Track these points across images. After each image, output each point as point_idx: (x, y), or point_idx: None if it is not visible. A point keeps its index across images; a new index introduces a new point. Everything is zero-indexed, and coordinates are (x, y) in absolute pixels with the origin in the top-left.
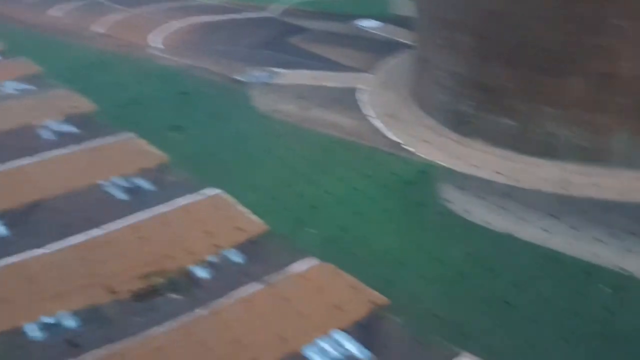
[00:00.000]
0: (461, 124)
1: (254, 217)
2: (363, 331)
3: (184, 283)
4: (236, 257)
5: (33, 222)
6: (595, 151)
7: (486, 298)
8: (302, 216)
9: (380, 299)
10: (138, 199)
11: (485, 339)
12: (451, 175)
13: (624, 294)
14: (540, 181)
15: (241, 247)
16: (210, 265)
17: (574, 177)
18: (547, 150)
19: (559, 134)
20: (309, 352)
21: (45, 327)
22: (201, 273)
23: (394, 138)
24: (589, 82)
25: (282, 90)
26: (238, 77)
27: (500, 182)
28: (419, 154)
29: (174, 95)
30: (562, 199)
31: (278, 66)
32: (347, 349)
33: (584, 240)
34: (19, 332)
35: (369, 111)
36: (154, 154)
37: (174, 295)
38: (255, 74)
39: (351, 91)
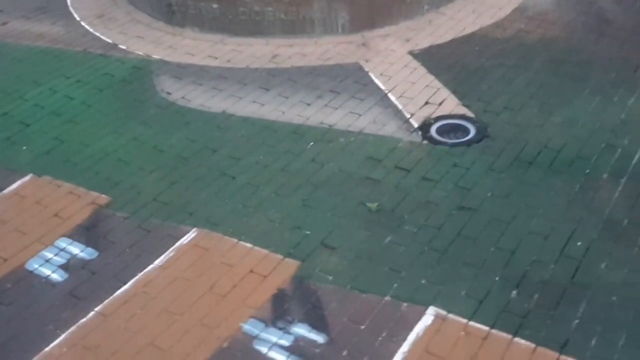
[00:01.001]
0: (172, 15)
1: None
2: (86, 232)
3: None
4: None
5: None
6: (298, 23)
7: (206, 175)
8: (12, 136)
9: (102, 199)
10: None
11: (207, 211)
12: (167, 67)
13: (326, 145)
14: (251, 59)
15: None
16: None
17: (281, 50)
18: (256, 28)
19: (264, 11)
20: (34, 264)
21: None
22: None
23: (105, 39)
24: None
25: None
26: None
27: (214, 66)
28: (132, 51)
29: None
30: (271, 71)
31: None
32: (71, 253)
33: (293, 105)
34: None
35: (77, 15)
36: None
37: None
38: None
39: None
